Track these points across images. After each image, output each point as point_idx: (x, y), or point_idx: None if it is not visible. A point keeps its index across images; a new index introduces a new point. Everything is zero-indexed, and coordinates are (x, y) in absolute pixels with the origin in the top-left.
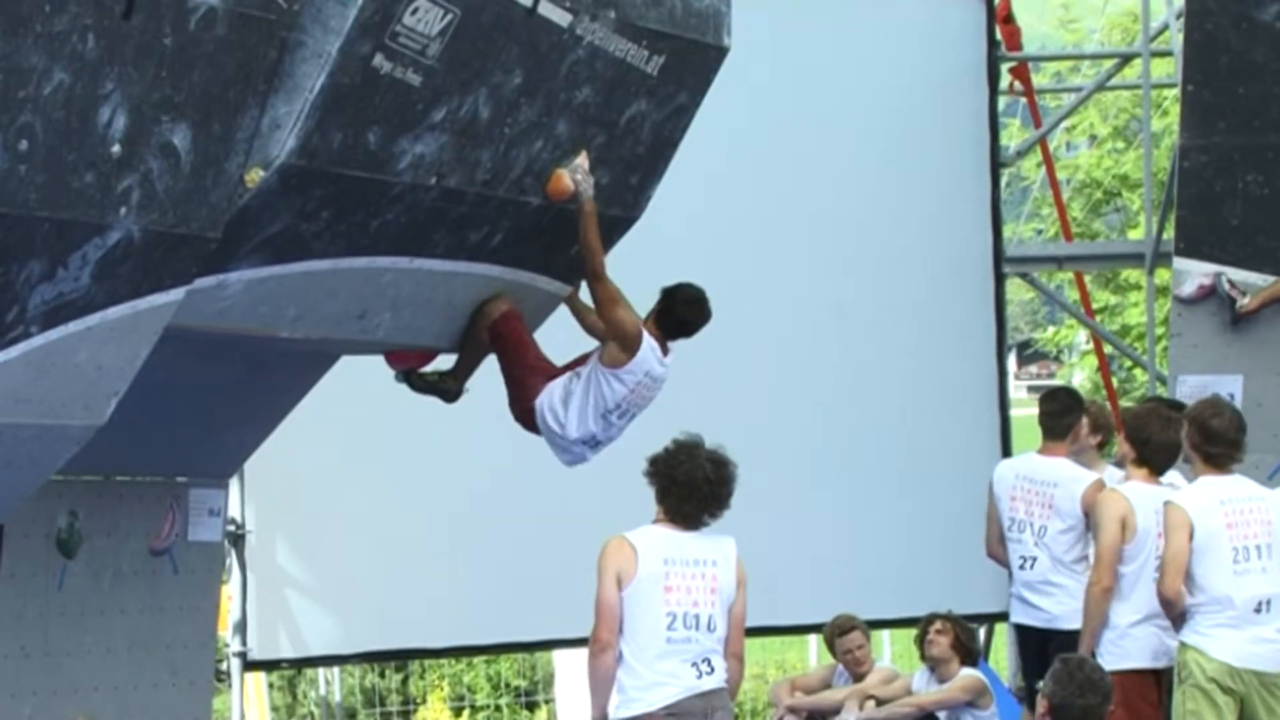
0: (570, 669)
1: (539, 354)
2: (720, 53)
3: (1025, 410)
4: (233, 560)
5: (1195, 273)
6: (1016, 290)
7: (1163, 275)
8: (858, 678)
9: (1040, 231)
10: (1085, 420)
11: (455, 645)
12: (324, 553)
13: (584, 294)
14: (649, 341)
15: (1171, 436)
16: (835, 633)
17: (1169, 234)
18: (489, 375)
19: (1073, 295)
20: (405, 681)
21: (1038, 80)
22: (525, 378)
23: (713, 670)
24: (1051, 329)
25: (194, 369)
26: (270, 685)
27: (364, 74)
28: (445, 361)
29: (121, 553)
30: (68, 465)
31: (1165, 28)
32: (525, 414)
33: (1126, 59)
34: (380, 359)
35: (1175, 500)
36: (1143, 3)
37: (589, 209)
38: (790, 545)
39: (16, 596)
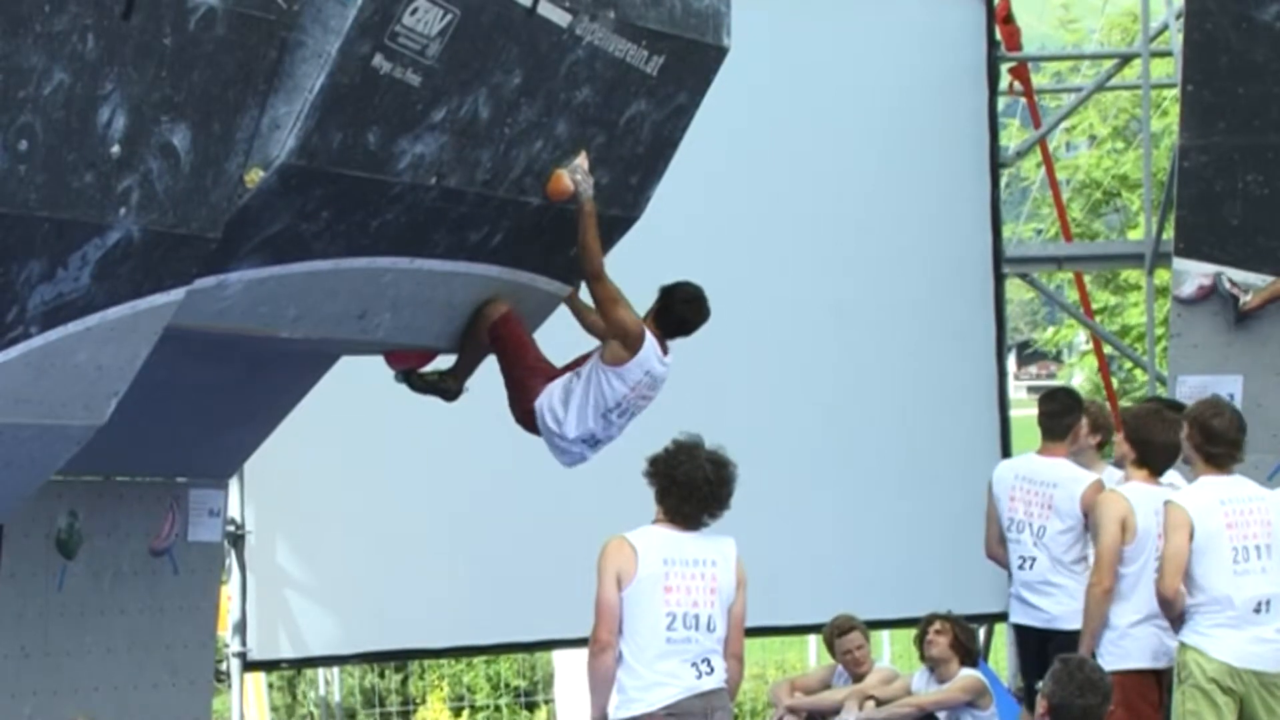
0: (570, 669)
1: (538, 355)
2: (720, 53)
3: (1025, 410)
4: (232, 560)
5: (1195, 273)
6: (1015, 290)
7: (1162, 275)
8: (857, 678)
9: (1040, 232)
10: (1085, 420)
11: (455, 645)
12: (324, 553)
13: (584, 293)
14: (651, 340)
15: (1172, 437)
16: (834, 633)
17: (1169, 234)
18: (489, 375)
19: (1072, 295)
20: (405, 682)
21: (1037, 80)
22: (525, 379)
23: (712, 670)
24: (1051, 329)
25: (194, 369)
26: (270, 685)
27: (364, 74)
28: (445, 362)
29: (121, 553)
30: (68, 465)
31: (1165, 28)
32: (526, 415)
33: (1126, 59)
34: (380, 359)
35: (1175, 500)
36: (1142, 3)
37: (589, 209)
38: (790, 545)
39: (16, 596)
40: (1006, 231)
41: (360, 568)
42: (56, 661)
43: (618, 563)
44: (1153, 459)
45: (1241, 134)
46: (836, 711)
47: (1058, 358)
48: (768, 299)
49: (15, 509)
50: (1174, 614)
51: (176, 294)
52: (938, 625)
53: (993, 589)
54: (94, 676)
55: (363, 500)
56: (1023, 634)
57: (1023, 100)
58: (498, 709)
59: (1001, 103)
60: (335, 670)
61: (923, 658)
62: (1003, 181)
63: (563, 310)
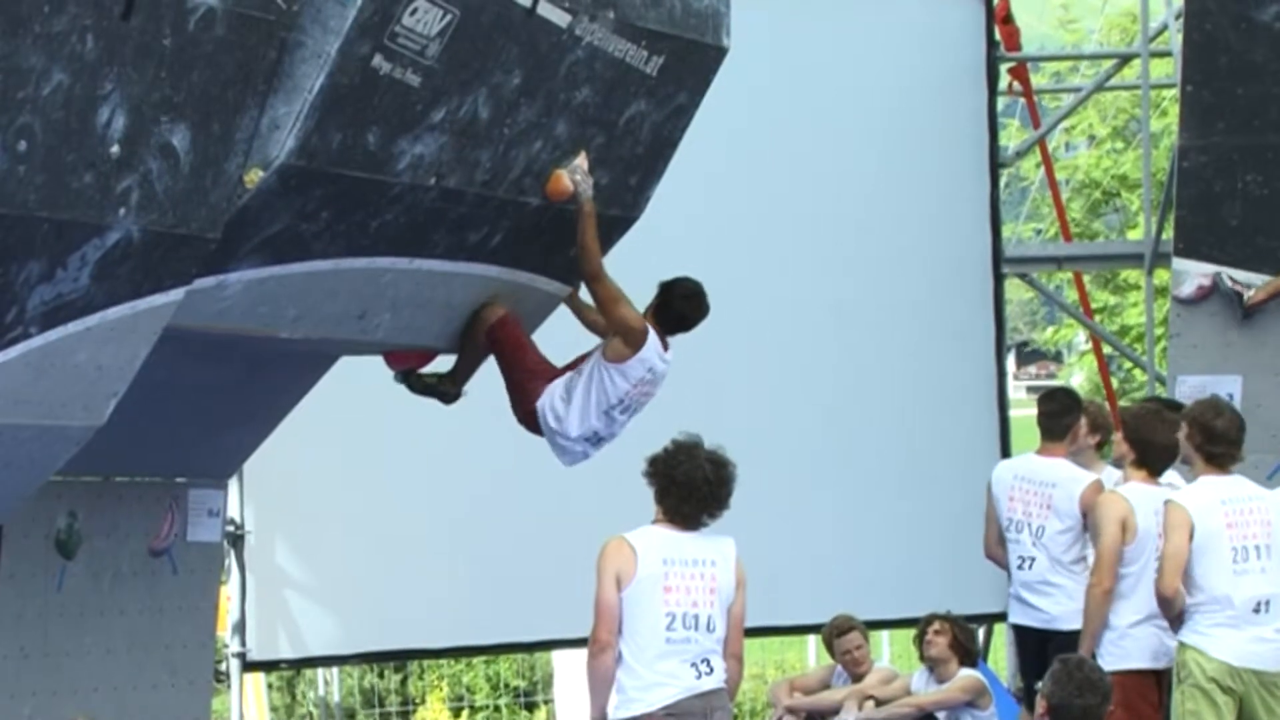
0: (569, 669)
1: (538, 356)
2: (719, 53)
3: (1024, 411)
4: (232, 561)
5: (1194, 273)
6: (1014, 290)
7: (1162, 276)
8: (856, 678)
9: (1039, 232)
10: (1084, 420)
11: (454, 646)
12: (323, 553)
13: (584, 292)
14: (653, 336)
15: (1172, 438)
16: (833, 633)
17: (1168, 234)
18: (488, 376)
19: (1072, 295)
20: (404, 682)
21: (1037, 80)
22: (525, 381)
23: (712, 670)
24: (1050, 329)
25: (193, 369)
26: (269, 686)
27: (363, 74)
28: (445, 362)
29: (121, 553)
30: (67, 466)
31: (1164, 28)
32: (528, 416)
33: (1125, 59)
34: (379, 359)
35: (1176, 499)
36: (1142, 3)
37: (588, 209)
38: (790, 545)
39: (16, 597)
40: (1006, 231)
41: (360, 568)
42: (56, 662)
43: (617, 563)
44: (1152, 459)
45: (1241, 134)
46: (836, 711)
47: (1057, 358)
48: (768, 299)
49: (15, 509)
50: (1173, 613)
51: (176, 294)
52: (937, 625)
53: (992, 589)
54: (93, 677)
55: (362, 500)
56: (1022, 634)
57: (1022, 100)
58: (497, 709)
59: (1001, 103)
60: (334, 670)
61: (922, 658)
62: (1002, 181)
63: (562, 310)
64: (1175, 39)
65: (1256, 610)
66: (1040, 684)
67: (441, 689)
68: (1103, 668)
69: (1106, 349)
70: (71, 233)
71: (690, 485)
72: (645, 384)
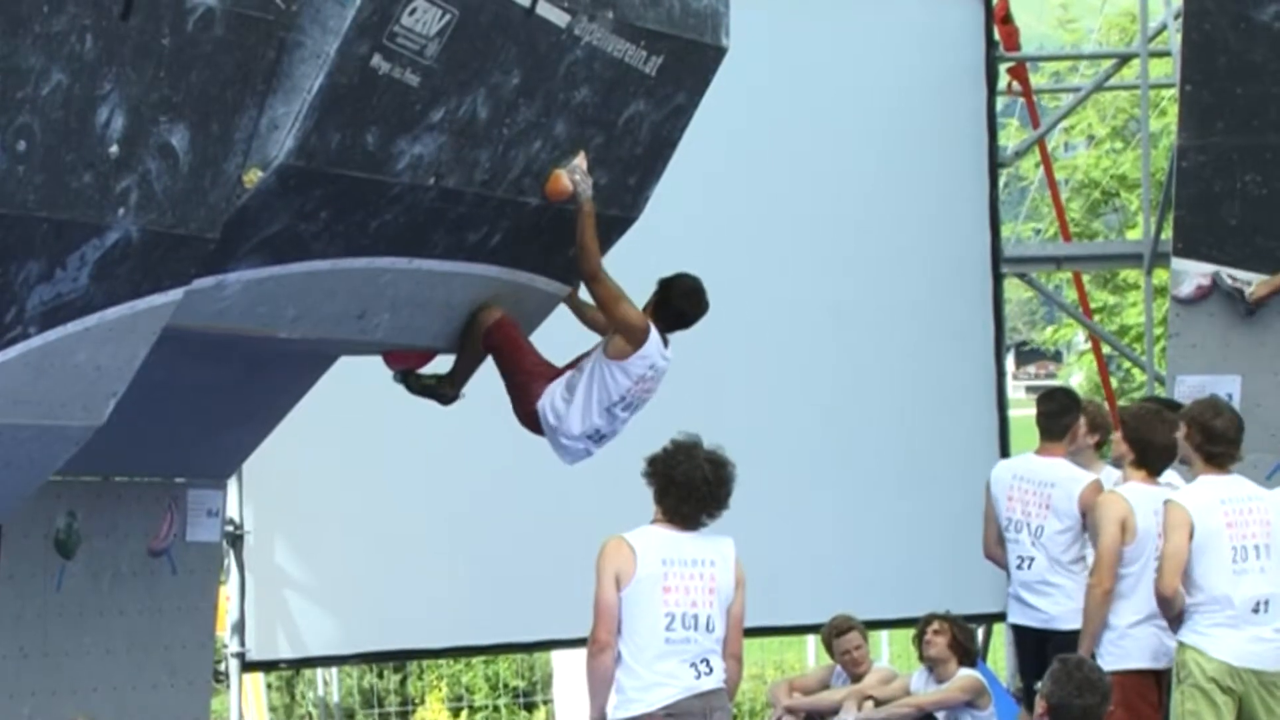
0: (569, 669)
1: (537, 357)
2: (719, 53)
3: (1024, 410)
4: (231, 561)
5: (1193, 273)
6: (1013, 290)
7: (1161, 275)
8: (856, 678)
9: (1039, 231)
10: (1083, 420)
11: (454, 646)
12: (322, 553)
13: (583, 291)
14: (654, 333)
15: (1172, 438)
16: (833, 633)
17: (1167, 234)
18: (487, 375)
19: (1071, 295)
20: (404, 682)
21: (1036, 80)
22: (525, 383)
23: (711, 671)
24: (1050, 328)
25: (192, 369)
26: (268, 686)
27: (362, 74)
28: (444, 362)
29: (120, 553)
30: (66, 466)
31: (1163, 28)
32: (528, 417)
33: (1125, 59)
34: (379, 359)
35: (1176, 499)
36: (1141, 3)
37: (587, 209)
38: (789, 545)
39: (15, 597)
40: (1005, 231)
41: (359, 568)
42: (55, 662)
43: (616, 563)
44: (1152, 459)
45: (1240, 134)
46: (835, 711)
47: (1056, 357)
48: (767, 299)
49: (14, 509)
50: (1173, 613)
51: (175, 294)
52: (936, 625)
53: (992, 589)
54: (93, 677)
55: (361, 500)
56: (1021, 634)
57: (1021, 100)
58: (496, 709)
59: (1000, 103)
60: (334, 670)
61: (921, 658)
62: (1001, 181)
63: (562, 310)
64: (1174, 39)
65: (1256, 610)
66: (1040, 684)
67: (441, 689)
68: (1102, 668)
69: (1106, 349)
70: (71, 233)
71: (689, 485)
72: (647, 381)
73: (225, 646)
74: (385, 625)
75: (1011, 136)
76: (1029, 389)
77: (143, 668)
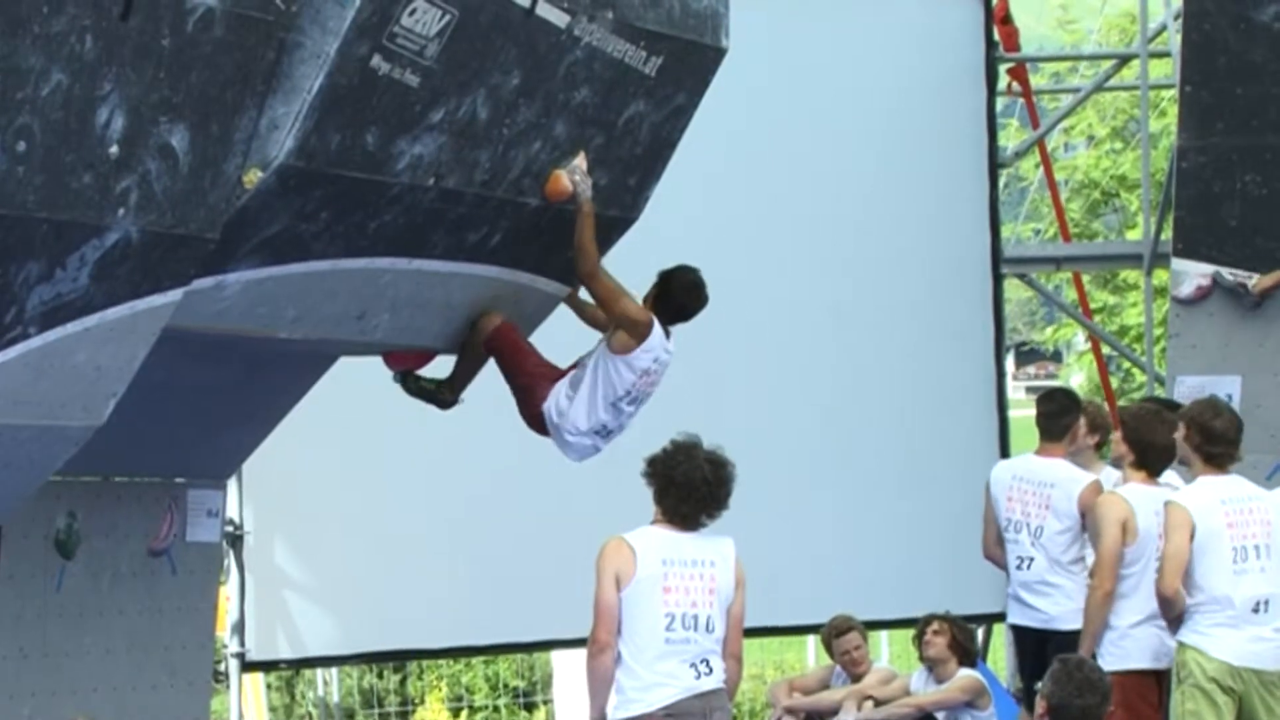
0: (569, 670)
1: (539, 360)
2: (718, 54)
3: (1023, 411)
4: (231, 561)
5: (1193, 273)
6: (1013, 290)
7: (1161, 276)
8: (855, 678)
9: (1038, 232)
10: (1083, 420)
11: (454, 646)
12: (322, 553)
13: (583, 290)
14: (657, 326)
15: (1172, 439)
16: (832, 634)
17: (1167, 235)
18: (487, 376)
19: (1071, 295)
20: (403, 682)
21: (1036, 81)
22: (529, 385)
23: (711, 671)
24: (1050, 328)
25: (192, 370)
26: (268, 686)
27: (362, 75)
28: (445, 364)
29: (120, 554)
30: (66, 466)
31: (1163, 28)
32: (534, 419)
33: (1124, 60)
34: (378, 360)
35: (1176, 500)
36: (1140, 3)
37: (587, 210)
38: (789, 546)
39: (15, 598)
40: (1005, 232)
41: (359, 568)
42: (55, 662)
43: (616, 563)
44: (1152, 460)
45: (1240, 134)
46: (835, 712)
47: (1056, 357)
48: (767, 300)
49: (14, 510)
50: (1173, 614)
51: (175, 295)
52: (935, 625)
53: (992, 589)
54: (93, 677)
55: (361, 501)
56: (1020, 635)
57: (1021, 101)
58: (496, 709)
59: (1000, 103)
60: (334, 671)
61: (921, 658)
62: (1001, 182)
63: (562, 310)
64: (1174, 39)
65: (1256, 610)
66: (1040, 684)
67: (441, 689)
68: (1103, 668)
69: (1106, 349)
70: (70, 233)
71: (689, 485)
72: (651, 374)
73: (225, 647)
74: (385, 625)
75: (1011, 137)
76: (1029, 389)
77: (143, 668)
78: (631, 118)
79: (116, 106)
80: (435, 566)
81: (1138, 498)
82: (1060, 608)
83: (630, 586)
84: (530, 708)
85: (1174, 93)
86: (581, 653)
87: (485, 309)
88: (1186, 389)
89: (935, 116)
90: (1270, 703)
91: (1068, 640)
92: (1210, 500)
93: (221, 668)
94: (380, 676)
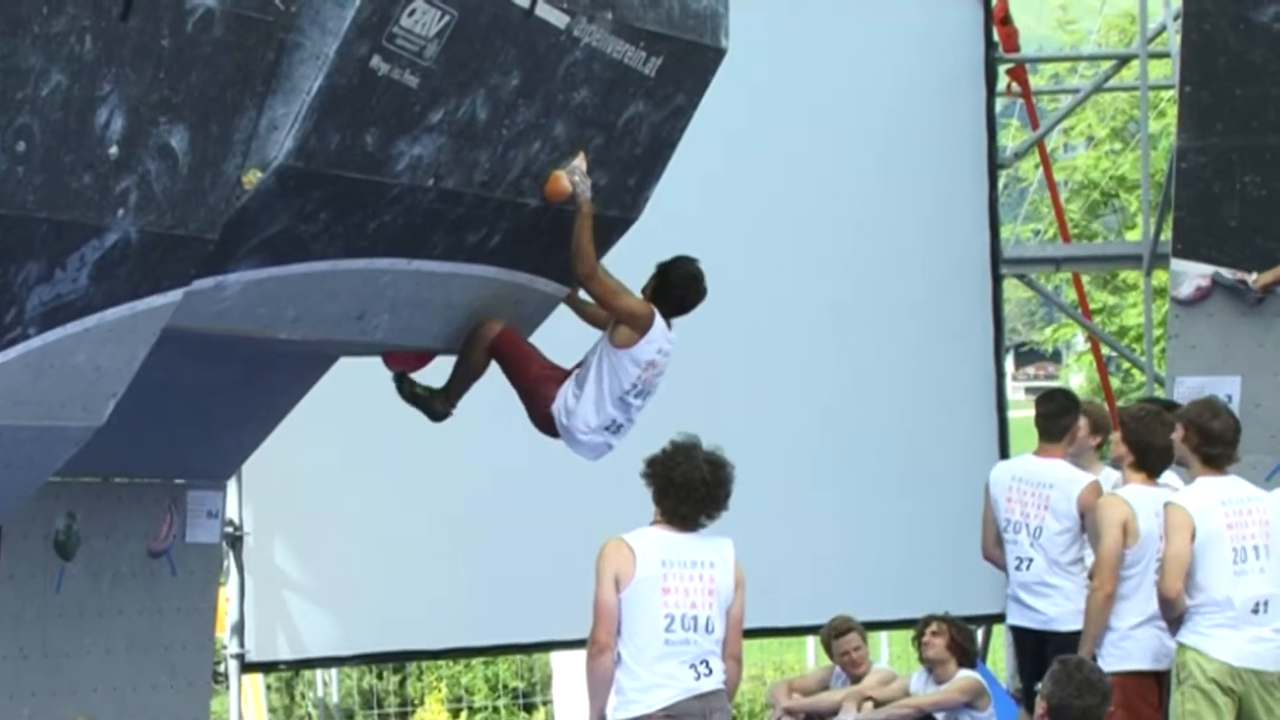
0: (568, 670)
1: (543, 363)
2: (718, 54)
3: (1023, 411)
4: (230, 562)
5: (1193, 274)
6: (1013, 290)
7: (1160, 276)
8: (855, 679)
9: (1038, 233)
10: (1085, 422)
11: (453, 647)
12: (322, 554)
13: (582, 290)
14: (658, 317)
15: (1171, 440)
16: (832, 634)
17: (1167, 235)
18: (487, 376)
19: (1071, 295)
20: (403, 683)
21: (1035, 81)
22: (536, 388)
23: (711, 672)
24: (1050, 327)
25: (192, 370)
26: (268, 687)
27: (361, 75)
28: (444, 366)
29: (120, 554)
30: (66, 467)
31: (1163, 29)
32: (544, 420)
33: (1124, 60)
34: (378, 360)
35: (1177, 501)
36: (1140, 4)
37: (586, 211)
38: (789, 546)
39: (15, 598)
40: (1004, 232)
41: (358, 569)
42: (55, 663)
43: (616, 564)
44: (1151, 461)
45: (1239, 135)
46: (834, 712)
47: (1056, 358)
48: (766, 300)
49: (14, 510)
50: (1174, 615)
51: (174, 295)
52: (934, 626)
53: (991, 590)
54: (92, 678)
55: (361, 501)
56: (1020, 635)
57: (1021, 101)
58: (496, 710)
59: (999, 104)
60: (333, 671)
61: (920, 659)
62: (1001, 182)
63: (562, 310)
64: (1174, 40)
65: (1255, 610)
66: (1040, 685)
67: (440, 690)
68: (1103, 669)
69: (1105, 350)
70: (70, 233)
71: (688, 486)
72: (656, 365)
73: (225, 647)
74: (385, 626)
75: (1011, 137)
76: (1028, 390)
77: (142, 668)
78: (631, 118)
79: (116, 107)
80: (435, 567)
81: (1138, 499)
82: (1059, 609)
83: (630, 587)
84: (530, 709)
85: (1174, 93)
86: (581, 654)
87: (484, 317)
88: (1186, 389)
89: (935, 117)
90: (1270, 703)
91: (1067, 641)
92: (1210, 501)
93: (221, 668)
94: (380, 677)
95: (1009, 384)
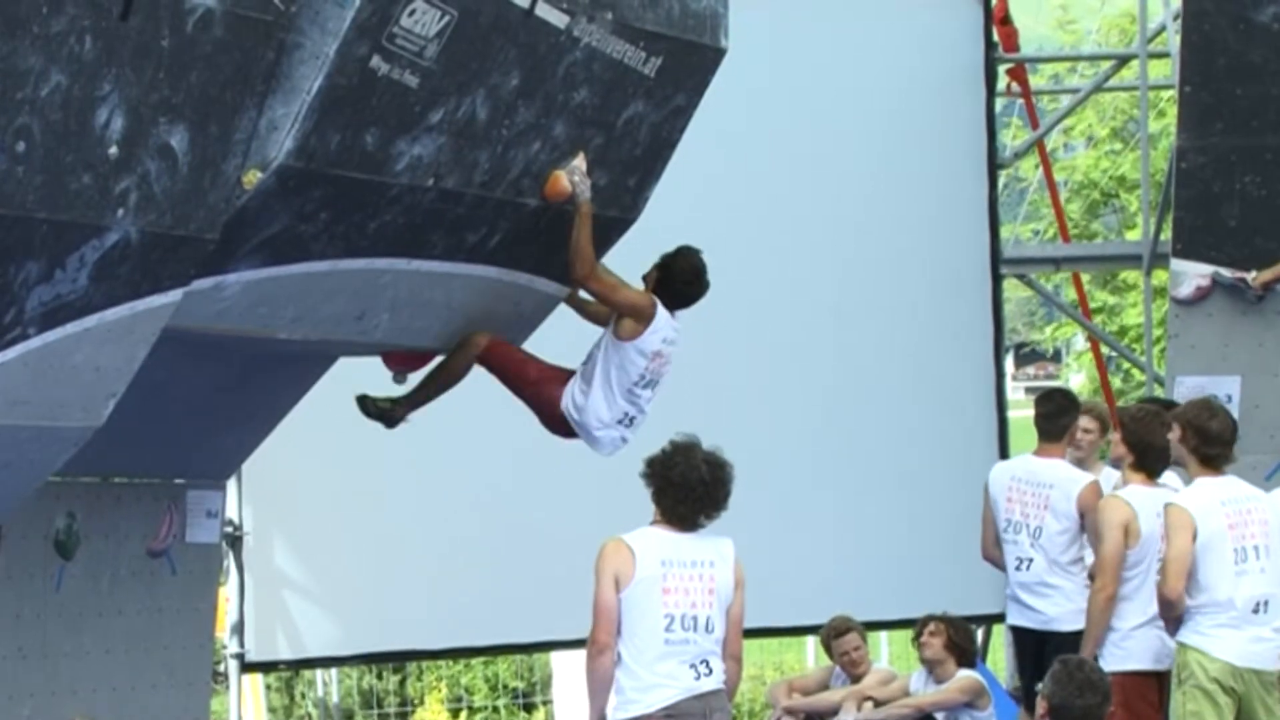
0: (568, 670)
1: (541, 366)
2: (718, 54)
3: (1023, 411)
4: (230, 562)
5: (1192, 274)
6: (1012, 289)
7: (1160, 276)
8: (855, 679)
9: (1038, 233)
10: (1090, 422)
11: (453, 646)
12: (322, 554)
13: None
14: (661, 307)
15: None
16: (831, 634)
17: (1166, 235)
18: (487, 375)
19: (1070, 295)
20: (403, 683)
21: (1035, 81)
22: (539, 392)
23: (711, 672)
24: (1050, 328)
25: (192, 370)
26: (267, 687)
27: (361, 75)
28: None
29: (119, 554)
30: (65, 467)
31: (1162, 29)
32: (556, 422)
33: (1124, 60)
34: (378, 360)
35: (1177, 501)
36: (1140, 4)
37: (586, 211)
38: (788, 546)
39: (15, 598)
40: (1004, 232)
41: (358, 569)
42: (55, 662)
43: (615, 564)
44: (1151, 461)
45: (1239, 135)
46: (834, 712)
47: (1056, 358)
48: (766, 300)
49: (13, 510)
50: (1175, 615)
51: (174, 295)
52: (932, 626)
53: (991, 590)
54: (92, 677)
55: (361, 501)
56: (1020, 635)
57: (1020, 101)
58: (496, 710)
59: (999, 104)
60: (333, 671)
61: (920, 659)
62: (1000, 182)
63: (562, 310)
64: (1173, 40)
65: (1256, 610)
66: (1040, 685)
67: (440, 690)
68: (1104, 669)
69: (1105, 350)
70: (70, 234)
71: (687, 486)
72: (662, 355)
73: (225, 647)
74: (385, 626)
75: (1011, 137)
76: (1028, 390)
77: (142, 668)
78: (631, 118)
79: (116, 107)
80: (435, 567)
81: (1139, 500)
82: (1059, 609)
83: (629, 587)
84: (530, 709)
85: (1173, 93)
86: (581, 654)
87: (474, 328)
88: (1186, 389)
89: (935, 117)
90: (1270, 703)
91: (1067, 641)
92: (1211, 501)
93: (221, 668)
94: (380, 677)
95: (1009, 384)
